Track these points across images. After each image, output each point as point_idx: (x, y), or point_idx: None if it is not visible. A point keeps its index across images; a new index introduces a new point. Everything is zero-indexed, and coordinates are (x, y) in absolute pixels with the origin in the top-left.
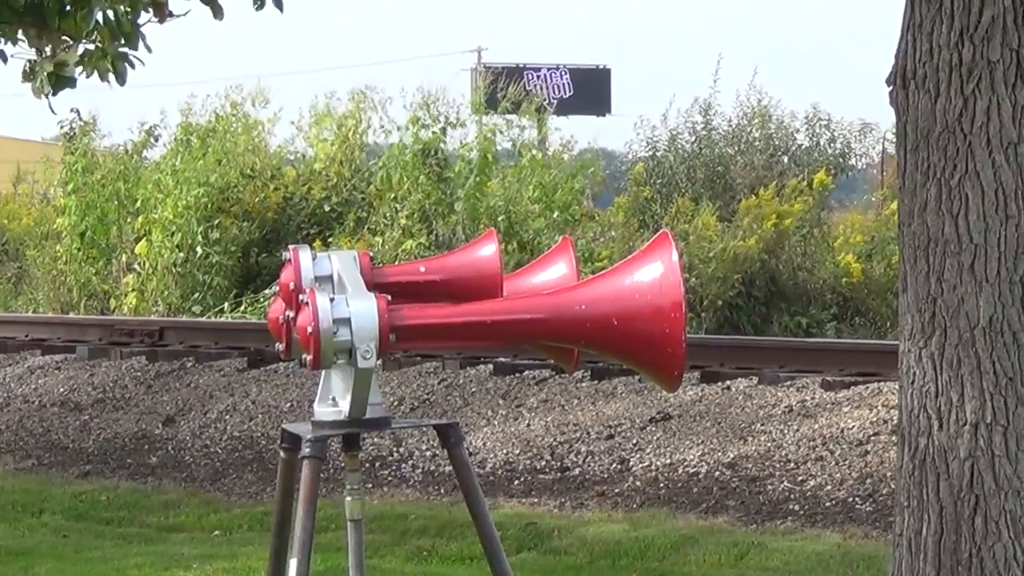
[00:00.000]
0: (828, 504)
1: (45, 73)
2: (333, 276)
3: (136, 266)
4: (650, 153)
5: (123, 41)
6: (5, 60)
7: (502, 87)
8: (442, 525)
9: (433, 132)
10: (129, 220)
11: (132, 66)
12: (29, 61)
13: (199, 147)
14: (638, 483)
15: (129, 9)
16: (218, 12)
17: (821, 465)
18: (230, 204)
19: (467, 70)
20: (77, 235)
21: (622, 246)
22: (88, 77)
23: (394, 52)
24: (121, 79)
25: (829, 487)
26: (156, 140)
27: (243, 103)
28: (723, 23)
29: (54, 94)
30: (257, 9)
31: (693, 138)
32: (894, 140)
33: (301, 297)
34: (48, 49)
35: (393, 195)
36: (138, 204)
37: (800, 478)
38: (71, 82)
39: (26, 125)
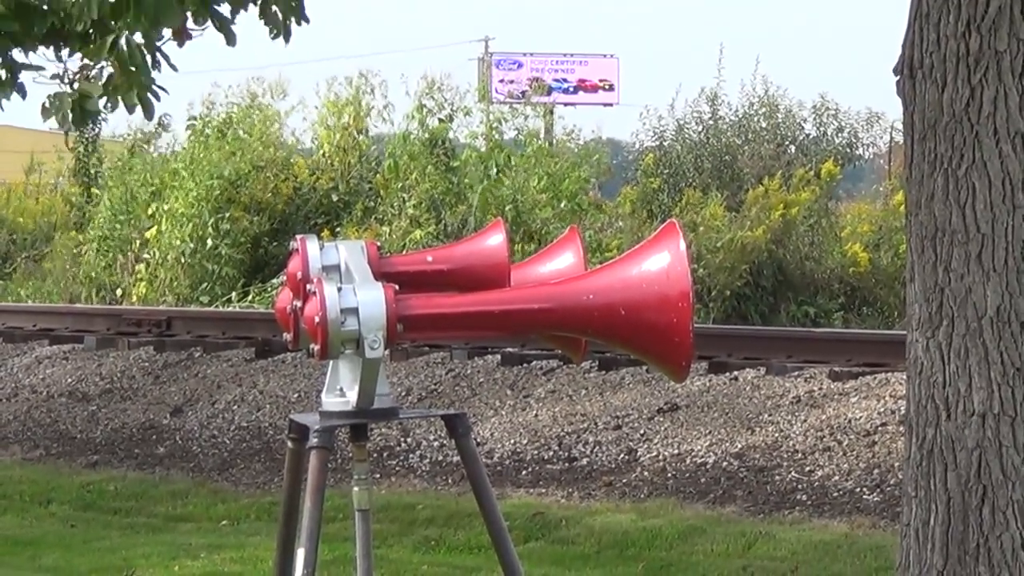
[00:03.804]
0: (836, 494)
1: (68, 106)
2: (340, 266)
3: (146, 255)
4: (657, 143)
5: (137, 71)
6: (24, 95)
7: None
8: (449, 515)
9: (440, 120)
10: (144, 209)
11: (158, 98)
12: (49, 96)
13: (216, 139)
14: (646, 473)
15: (144, 41)
16: (231, 39)
17: (829, 455)
18: (241, 196)
19: (474, 59)
20: (107, 228)
21: (631, 237)
22: (113, 110)
23: (401, 41)
24: (148, 113)
25: (837, 477)
26: (167, 129)
27: (263, 95)
28: (730, 12)
29: (77, 129)
30: (273, 38)
31: (700, 128)
32: (901, 130)
33: (308, 287)
34: (68, 75)
35: (400, 184)
36: (151, 191)
37: (808, 468)
38: (95, 116)
39: (33, 115)
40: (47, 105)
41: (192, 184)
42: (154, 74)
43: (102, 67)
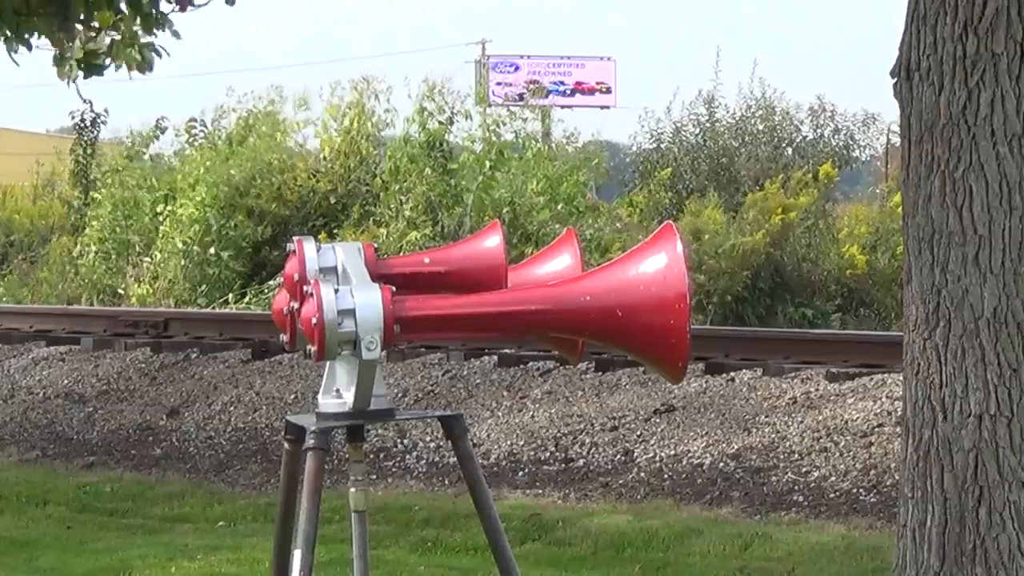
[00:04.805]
0: (832, 495)
1: (75, 60)
2: (337, 267)
3: (147, 259)
4: (654, 145)
5: (152, 27)
6: (29, 48)
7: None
8: (446, 516)
9: (439, 123)
10: (150, 211)
11: (159, 55)
12: (58, 49)
13: (228, 146)
14: (642, 474)
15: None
16: None
17: (825, 456)
18: (247, 202)
19: (471, 62)
20: (105, 232)
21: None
22: (117, 69)
23: (399, 43)
24: (148, 68)
25: (833, 478)
26: (163, 132)
27: (280, 103)
28: (727, 14)
29: (85, 78)
30: None
31: (697, 130)
32: (898, 132)
33: (305, 288)
34: (76, 40)
35: (398, 187)
36: (156, 195)
37: (804, 469)
38: (100, 69)
39: (32, 118)
40: (56, 56)
41: (202, 190)
42: (156, 36)
43: (106, 32)
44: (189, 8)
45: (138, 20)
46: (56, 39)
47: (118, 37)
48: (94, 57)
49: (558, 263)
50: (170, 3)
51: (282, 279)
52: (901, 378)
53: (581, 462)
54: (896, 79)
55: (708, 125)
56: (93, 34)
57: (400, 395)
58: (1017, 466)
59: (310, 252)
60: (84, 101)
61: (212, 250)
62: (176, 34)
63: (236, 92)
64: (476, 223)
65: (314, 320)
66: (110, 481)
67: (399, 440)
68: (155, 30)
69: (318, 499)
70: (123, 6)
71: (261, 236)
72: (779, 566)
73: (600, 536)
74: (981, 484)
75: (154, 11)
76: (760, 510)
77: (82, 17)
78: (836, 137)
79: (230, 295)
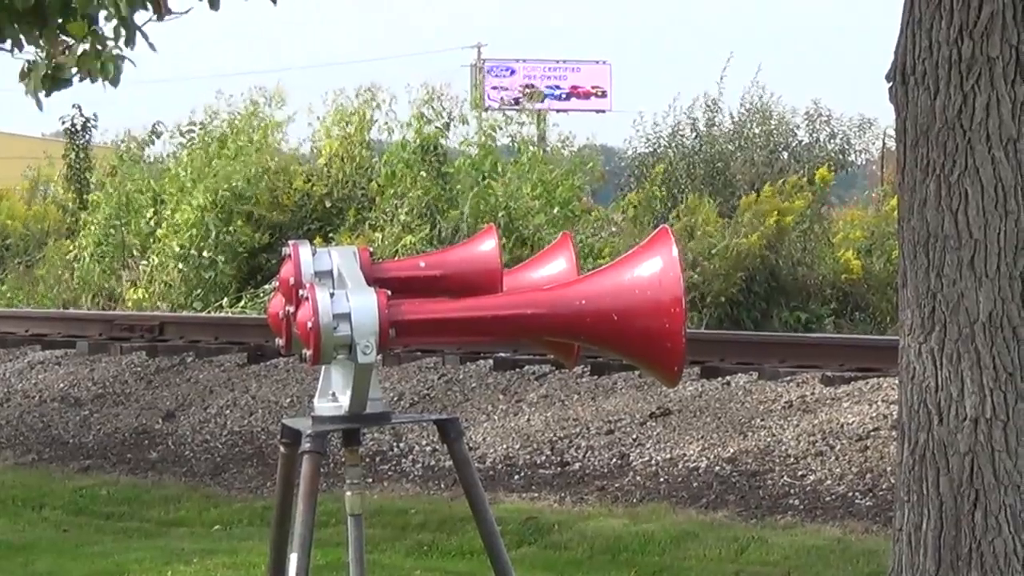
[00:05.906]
0: (828, 499)
1: (40, 74)
2: (333, 271)
3: (144, 262)
4: (650, 149)
5: (123, 40)
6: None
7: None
8: (442, 520)
9: (436, 127)
10: (146, 215)
11: (132, 64)
12: (27, 61)
13: (217, 150)
14: (638, 478)
15: (127, 6)
16: (214, 3)
17: (821, 460)
18: (244, 207)
19: (467, 66)
20: (100, 234)
21: (631, 242)
22: (82, 80)
23: (395, 47)
24: (115, 81)
25: (829, 482)
26: (159, 137)
27: (263, 104)
28: (723, 19)
29: (47, 95)
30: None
31: (693, 134)
32: (894, 136)
33: (301, 292)
34: (45, 52)
35: (394, 191)
36: (148, 196)
37: (800, 473)
38: (66, 83)
39: (27, 120)
40: (23, 70)
41: (197, 193)
42: (131, 51)
43: (79, 43)
44: (168, 18)
45: (113, 31)
46: (34, 44)
47: (88, 48)
48: (60, 71)
49: (553, 267)
50: (146, 10)
51: (277, 283)
52: (897, 382)
53: (577, 466)
54: (892, 83)
55: (705, 130)
56: (64, 48)
57: (396, 399)
58: (1013, 470)
59: (305, 256)
60: (73, 106)
61: (206, 254)
62: (152, 46)
63: (224, 95)
64: (472, 227)
65: (310, 324)
66: (106, 485)
67: (395, 444)
68: (127, 45)
69: (314, 503)
70: (100, 17)
71: (258, 244)
72: (775, 570)
73: (596, 540)
74: (977, 488)
75: (131, 23)
76: (756, 514)
77: (59, 22)
78: (832, 141)
79: (225, 299)
